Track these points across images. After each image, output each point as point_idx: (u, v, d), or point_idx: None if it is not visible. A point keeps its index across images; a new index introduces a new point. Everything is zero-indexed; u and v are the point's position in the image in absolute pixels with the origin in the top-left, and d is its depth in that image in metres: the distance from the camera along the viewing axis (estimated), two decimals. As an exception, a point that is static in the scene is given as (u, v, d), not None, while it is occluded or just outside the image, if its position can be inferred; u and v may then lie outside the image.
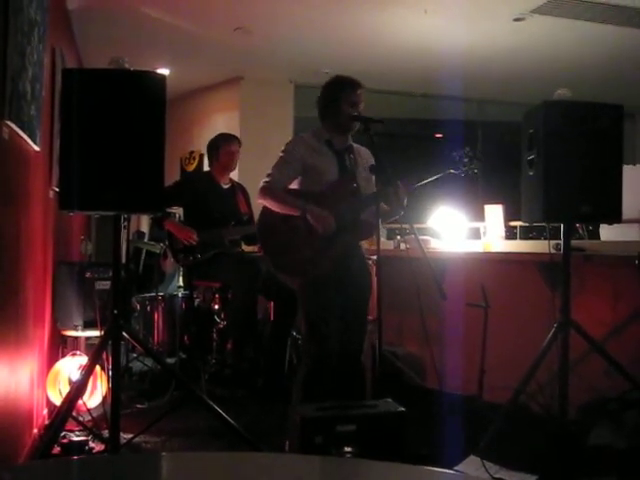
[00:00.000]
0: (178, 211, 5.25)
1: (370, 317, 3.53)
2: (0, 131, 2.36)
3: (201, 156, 8.00)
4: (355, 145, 3.49)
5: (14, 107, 2.43)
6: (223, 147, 4.93)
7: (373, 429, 2.68)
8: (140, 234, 7.29)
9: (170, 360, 4.89)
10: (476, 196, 7.93)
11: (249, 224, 4.84)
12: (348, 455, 2.57)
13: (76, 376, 3.49)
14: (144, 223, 7.76)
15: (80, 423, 3.46)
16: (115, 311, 2.98)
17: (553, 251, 3.45)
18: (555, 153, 3.14)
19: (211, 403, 3.20)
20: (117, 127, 2.84)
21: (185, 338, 5.04)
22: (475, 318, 3.91)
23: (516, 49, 6.32)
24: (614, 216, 3.24)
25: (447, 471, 1.47)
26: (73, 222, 5.34)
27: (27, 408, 3.18)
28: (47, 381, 3.69)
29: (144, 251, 6.14)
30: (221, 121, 7.83)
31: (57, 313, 3.97)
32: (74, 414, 3.31)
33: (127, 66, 2.93)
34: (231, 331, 4.79)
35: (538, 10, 5.30)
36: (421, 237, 3.92)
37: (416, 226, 3.70)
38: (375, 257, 3.21)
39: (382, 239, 3.30)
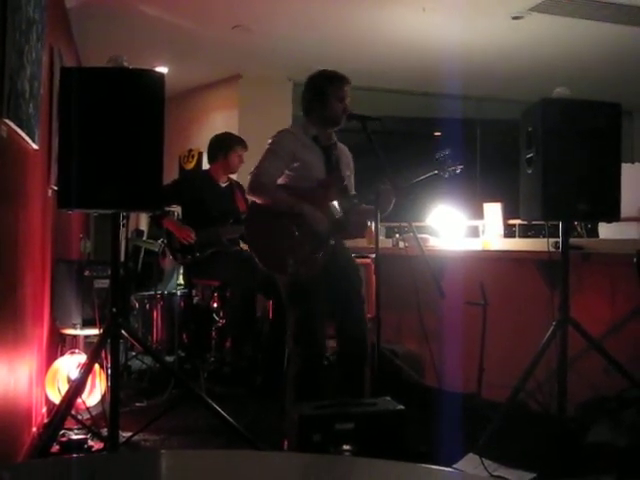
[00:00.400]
0: (177, 209, 5.25)
1: (369, 315, 3.53)
2: (-2, 129, 2.36)
3: (200, 154, 7.98)
4: (338, 143, 3.44)
5: (12, 105, 2.43)
6: (235, 149, 4.91)
7: (372, 427, 2.68)
8: (139, 232, 7.29)
9: (169, 358, 4.89)
10: (475, 194, 7.94)
11: (247, 222, 4.83)
12: (347, 453, 2.58)
13: (75, 374, 3.49)
14: (143, 221, 7.76)
15: (79, 421, 3.46)
16: (114, 309, 2.98)
17: (552, 249, 3.45)
18: (553, 151, 3.14)
19: (210, 401, 3.20)
20: (116, 125, 2.83)
21: (184, 336, 5.04)
22: (474, 316, 3.91)
23: (514, 47, 6.32)
24: (612, 214, 3.24)
25: (446, 469, 1.47)
26: (72, 220, 5.33)
27: (26, 407, 3.18)
28: (46, 379, 3.68)
29: (143, 249, 6.14)
30: (220, 119, 7.82)
31: (56, 311, 3.97)
32: (73, 412, 3.32)
33: (126, 64, 2.92)
34: (230, 329, 4.80)
35: (536, 8, 5.29)
36: (420, 235, 3.94)
37: (415, 224, 3.70)
38: (374, 255, 3.20)
39: (380, 237, 3.30)
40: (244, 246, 5.11)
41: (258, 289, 4.68)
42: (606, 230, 4.44)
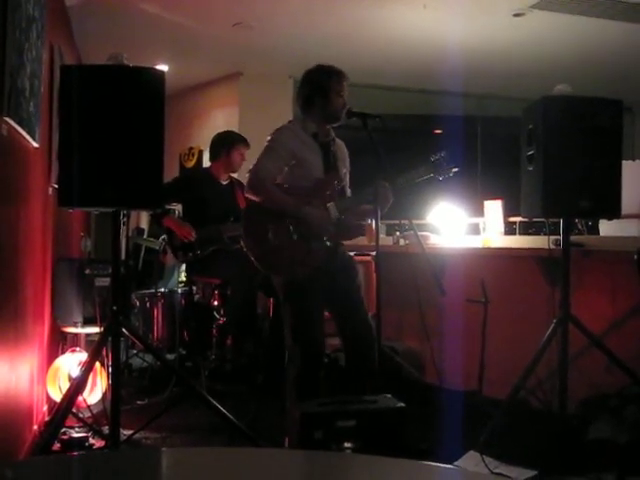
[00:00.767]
0: (177, 207, 5.25)
1: (369, 312, 3.52)
2: (-1, 127, 2.36)
3: (200, 152, 7.98)
4: (336, 138, 3.40)
5: (13, 103, 2.43)
6: (238, 147, 4.91)
7: (373, 424, 2.68)
8: (139, 230, 7.29)
9: (170, 356, 4.89)
10: (475, 191, 7.93)
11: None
12: (348, 450, 2.58)
13: (76, 372, 3.49)
14: (143, 220, 7.76)
15: (80, 419, 3.47)
16: (115, 307, 2.98)
17: (552, 246, 3.45)
18: (554, 148, 3.14)
19: (211, 399, 3.21)
20: (116, 123, 2.83)
21: (185, 334, 5.03)
22: (475, 313, 3.90)
23: (516, 44, 6.31)
24: (613, 211, 3.24)
25: (447, 466, 1.47)
26: (72, 219, 5.33)
27: (27, 405, 3.18)
28: (47, 378, 3.69)
29: (143, 247, 6.14)
30: (220, 117, 7.82)
31: (57, 310, 3.97)
32: (74, 410, 3.32)
33: (126, 62, 2.91)
34: (231, 327, 4.80)
35: (537, 5, 5.29)
36: (420, 233, 3.93)
37: (415, 222, 3.69)
38: (374, 253, 3.20)
39: (381, 235, 3.29)
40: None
41: (259, 287, 4.68)
42: (607, 227, 4.44)
